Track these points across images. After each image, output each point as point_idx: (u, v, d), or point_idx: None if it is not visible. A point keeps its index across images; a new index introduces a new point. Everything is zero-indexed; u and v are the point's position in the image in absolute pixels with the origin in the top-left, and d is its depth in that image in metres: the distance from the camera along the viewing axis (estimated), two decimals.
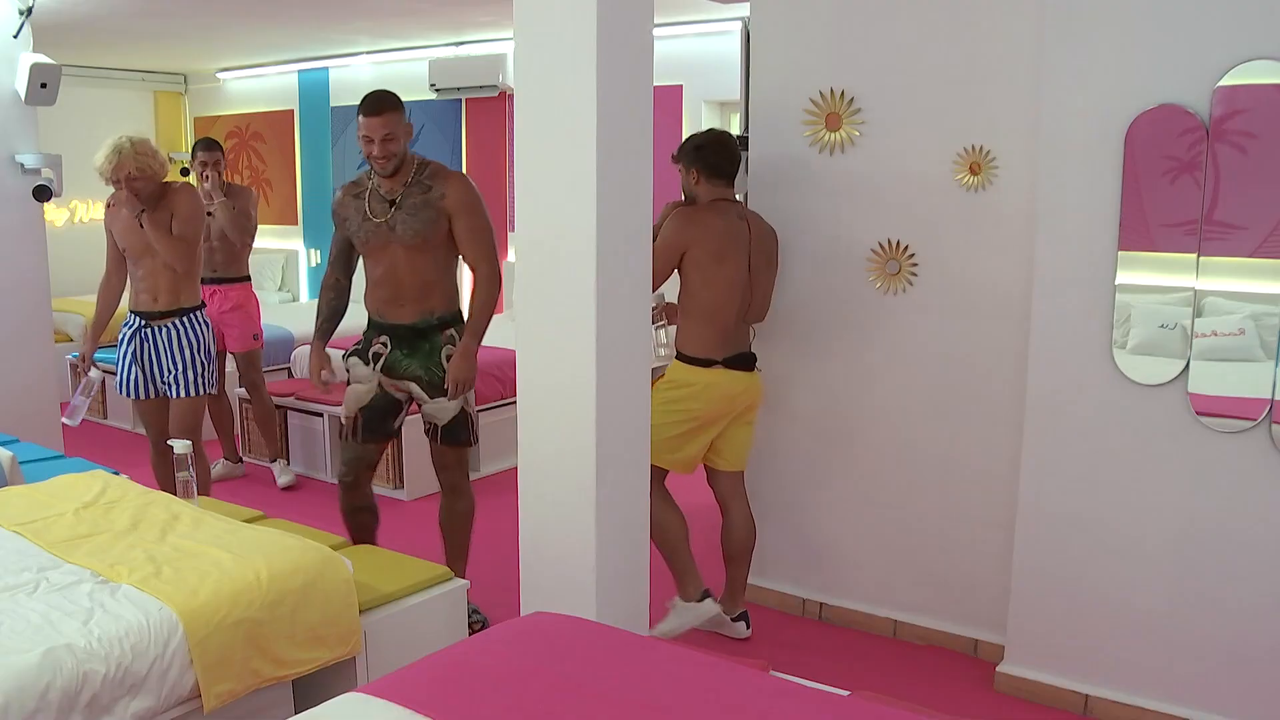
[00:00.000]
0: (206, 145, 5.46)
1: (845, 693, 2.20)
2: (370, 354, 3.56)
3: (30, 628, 2.27)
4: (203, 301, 4.42)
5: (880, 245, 3.56)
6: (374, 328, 3.58)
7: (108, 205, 4.40)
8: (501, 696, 2.05)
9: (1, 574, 2.55)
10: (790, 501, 3.86)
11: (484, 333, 3.47)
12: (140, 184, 4.11)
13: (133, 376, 4.30)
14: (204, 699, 2.38)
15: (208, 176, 5.31)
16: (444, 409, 3.52)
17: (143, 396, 4.33)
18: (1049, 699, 3.21)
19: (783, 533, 3.90)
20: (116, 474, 3.69)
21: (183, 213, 4.23)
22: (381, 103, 3.40)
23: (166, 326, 4.26)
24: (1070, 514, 3.14)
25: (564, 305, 2.76)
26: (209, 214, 5.14)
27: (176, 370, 4.26)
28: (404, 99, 3.54)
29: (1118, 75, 2.93)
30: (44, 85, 5.12)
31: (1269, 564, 2.86)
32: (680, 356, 3.52)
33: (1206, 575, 2.95)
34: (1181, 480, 2.96)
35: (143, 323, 4.27)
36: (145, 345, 4.26)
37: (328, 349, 3.75)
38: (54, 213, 8.46)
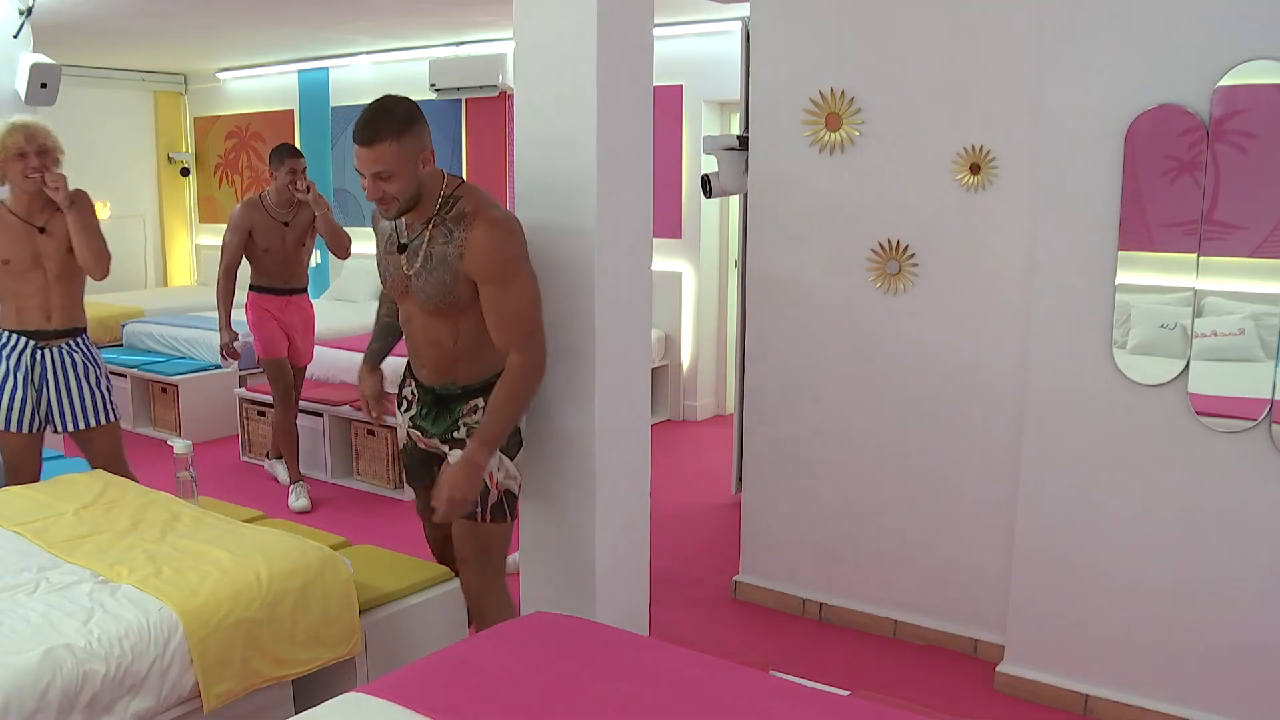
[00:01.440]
0: (294, 152, 5.01)
1: (845, 693, 2.20)
2: (400, 396, 2.89)
3: (30, 628, 2.27)
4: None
5: (880, 245, 3.56)
6: (408, 368, 2.87)
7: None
8: (501, 696, 2.05)
9: (1, 574, 2.55)
10: (790, 501, 3.86)
11: (500, 441, 2.59)
12: (50, 162, 3.50)
13: (21, 405, 3.61)
14: (204, 699, 2.38)
15: (304, 186, 4.85)
16: None
17: (23, 430, 3.63)
18: (1049, 699, 3.21)
19: (783, 533, 3.90)
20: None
21: (93, 220, 3.61)
22: (374, 128, 2.45)
23: (55, 348, 3.65)
24: (1070, 514, 3.14)
25: (564, 305, 2.76)
26: (285, 224, 4.97)
27: (73, 398, 3.67)
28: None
29: (1118, 75, 2.93)
30: (44, 85, 5.12)
31: (1269, 564, 2.86)
32: None
33: (1207, 575, 2.95)
34: (1181, 480, 2.96)
35: (34, 344, 3.62)
36: (35, 370, 3.63)
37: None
38: None
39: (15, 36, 5.15)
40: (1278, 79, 2.71)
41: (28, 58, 5.12)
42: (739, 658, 2.39)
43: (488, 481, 2.62)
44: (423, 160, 2.50)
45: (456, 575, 2.97)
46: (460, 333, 2.62)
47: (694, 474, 5.71)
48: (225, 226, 5.01)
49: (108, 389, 3.76)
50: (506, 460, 2.68)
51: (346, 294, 8.05)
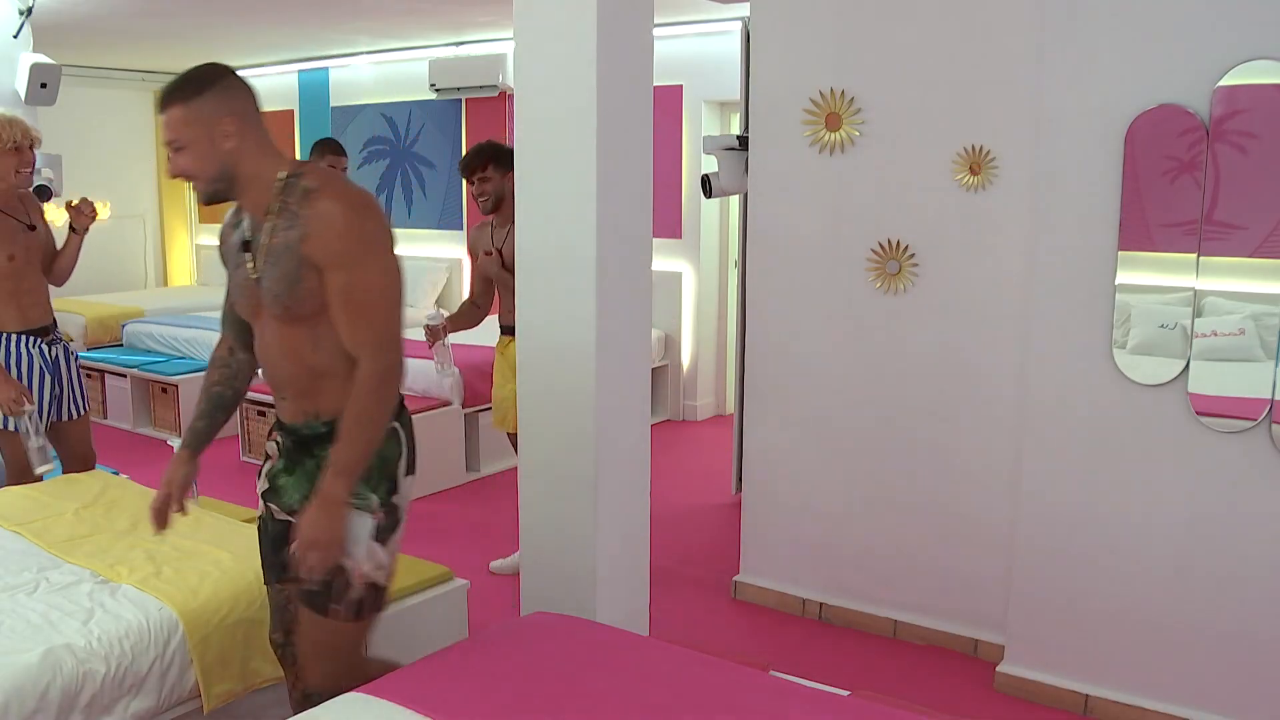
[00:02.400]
0: (337, 148, 4.66)
1: (845, 693, 2.20)
2: (265, 451, 2.33)
3: (30, 628, 2.27)
4: None
5: (880, 245, 3.56)
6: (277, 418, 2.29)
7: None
8: (501, 696, 2.05)
9: (2, 574, 2.55)
10: (790, 501, 3.86)
11: (359, 468, 2.08)
12: (31, 156, 3.52)
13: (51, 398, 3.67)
14: (204, 699, 2.38)
15: None
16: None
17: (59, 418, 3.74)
18: (1049, 699, 3.21)
19: (783, 533, 3.90)
20: (116, 474, 3.69)
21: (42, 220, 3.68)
22: (167, 92, 2.11)
23: (58, 342, 3.75)
24: (1070, 514, 3.13)
25: (564, 305, 2.76)
26: None
27: (79, 387, 3.79)
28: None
29: (1118, 75, 2.93)
30: (44, 85, 5.13)
31: (1269, 564, 2.86)
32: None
33: (1207, 575, 2.95)
34: (1181, 480, 2.96)
35: (43, 341, 3.66)
36: (48, 364, 3.67)
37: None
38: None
39: (15, 36, 5.16)
40: (1278, 79, 2.71)
41: (28, 58, 5.13)
42: (739, 658, 2.39)
43: (350, 572, 2.10)
44: (223, 133, 2.05)
45: (294, 679, 2.33)
46: (320, 340, 2.10)
47: (694, 474, 5.71)
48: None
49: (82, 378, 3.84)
50: (376, 547, 2.11)
51: None
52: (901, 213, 3.51)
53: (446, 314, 4.32)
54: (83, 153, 7.51)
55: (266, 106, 2.25)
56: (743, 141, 4.28)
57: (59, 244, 3.82)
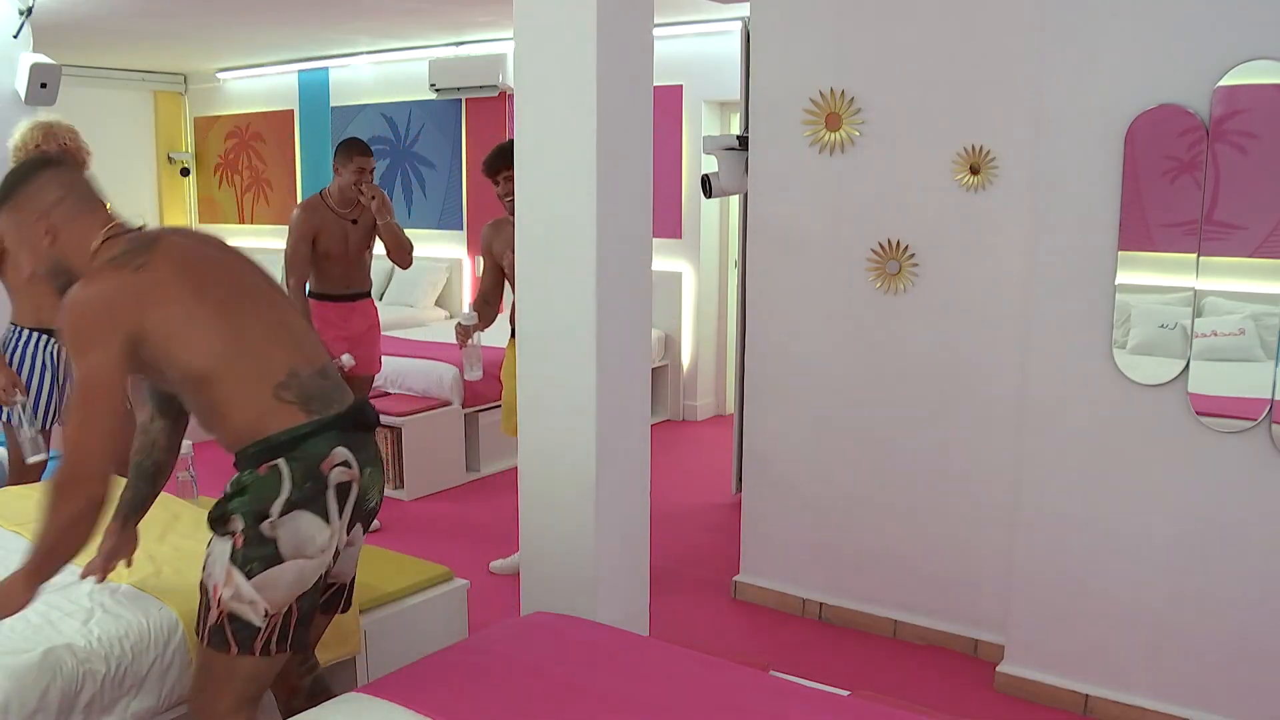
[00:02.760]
0: (364, 149, 4.58)
1: (845, 693, 2.21)
2: None
3: (30, 628, 2.27)
4: None
5: (880, 245, 3.56)
6: None
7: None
8: (501, 696, 2.05)
9: (2, 574, 2.54)
10: (790, 501, 3.86)
11: (43, 573, 1.99)
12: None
13: (47, 403, 3.66)
14: None
15: (370, 191, 4.51)
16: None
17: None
18: (1049, 699, 3.21)
19: (783, 532, 3.90)
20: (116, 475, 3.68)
21: None
22: None
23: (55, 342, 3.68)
24: (1070, 514, 3.14)
25: (564, 305, 2.76)
26: (353, 221, 4.58)
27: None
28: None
29: (1118, 75, 2.93)
30: (44, 85, 5.13)
31: (1269, 564, 2.86)
32: None
33: (1207, 575, 2.95)
34: (1181, 480, 2.96)
35: (54, 342, 3.64)
36: (53, 365, 3.67)
37: None
38: None
39: (15, 36, 5.15)
40: (1278, 79, 2.71)
41: (28, 58, 5.13)
42: (739, 658, 2.39)
43: (210, 595, 2.01)
44: (38, 235, 2.03)
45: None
46: (190, 400, 2.10)
47: (694, 474, 5.71)
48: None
49: None
50: (238, 576, 1.96)
51: None
52: (901, 213, 3.51)
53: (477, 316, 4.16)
54: None
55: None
56: (743, 141, 4.28)
57: None
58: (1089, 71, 2.97)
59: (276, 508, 1.97)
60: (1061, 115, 3.03)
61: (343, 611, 2.31)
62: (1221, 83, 2.77)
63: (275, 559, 1.97)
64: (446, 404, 5.47)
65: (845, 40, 3.57)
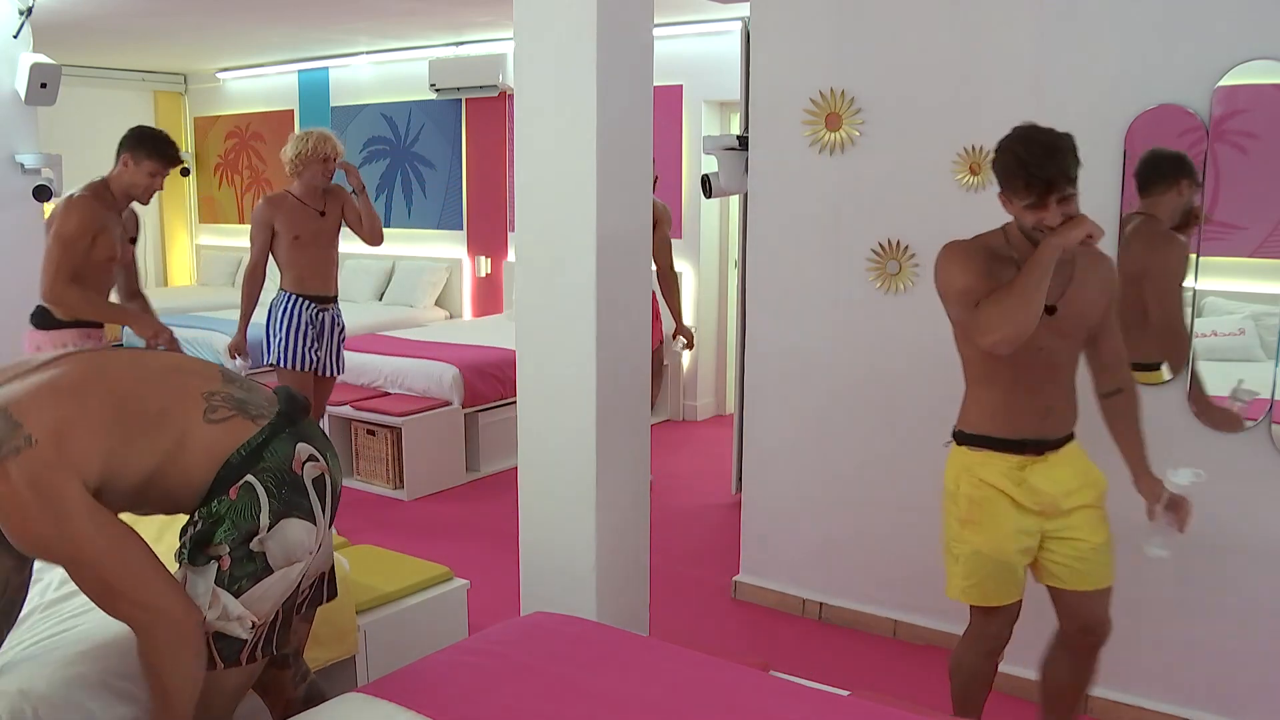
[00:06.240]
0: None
1: (845, 693, 2.21)
2: None
3: (29, 628, 2.27)
4: None
5: (880, 245, 3.56)
6: None
7: (267, 199, 4.54)
8: (501, 696, 2.05)
9: None
10: (790, 501, 3.86)
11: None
12: (332, 167, 4.46)
13: (311, 350, 4.50)
14: None
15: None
16: None
17: (304, 369, 4.51)
18: None
19: (783, 533, 3.90)
20: None
21: (368, 203, 4.62)
22: None
23: (331, 311, 4.56)
24: None
25: (564, 305, 2.76)
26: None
27: (335, 352, 4.61)
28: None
29: (1118, 75, 2.93)
30: (44, 85, 5.13)
31: (1269, 564, 2.86)
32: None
33: (1206, 575, 2.95)
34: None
35: (315, 305, 4.48)
36: (313, 326, 4.50)
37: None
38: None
39: (15, 36, 5.15)
40: (1278, 79, 2.71)
41: (28, 58, 5.13)
42: (739, 658, 2.39)
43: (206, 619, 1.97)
44: None
45: None
46: (154, 498, 1.98)
47: (694, 474, 5.71)
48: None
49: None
50: (225, 596, 1.93)
51: (348, 294, 8.05)
52: (901, 213, 3.51)
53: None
54: (83, 153, 7.49)
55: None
56: (743, 141, 4.28)
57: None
58: (1089, 71, 2.97)
59: (264, 522, 1.92)
60: (1061, 115, 3.02)
61: (328, 600, 2.22)
62: (1221, 83, 2.77)
63: (264, 572, 1.94)
64: (446, 404, 5.47)
65: (845, 40, 3.57)
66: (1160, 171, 2.88)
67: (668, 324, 5.49)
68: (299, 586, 2.03)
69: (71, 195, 3.77)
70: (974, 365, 2.56)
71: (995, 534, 2.53)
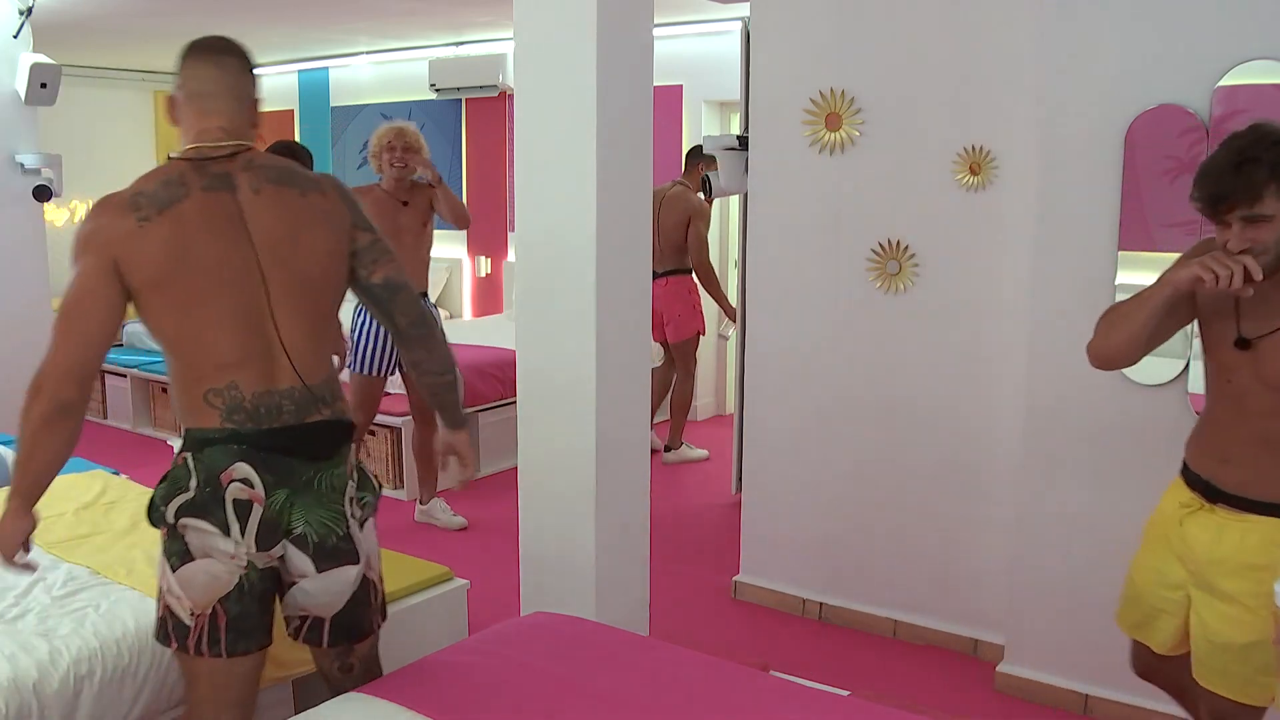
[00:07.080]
0: (710, 160, 4.81)
1: (845, 693, 2.21)
2: None
3: (29, 628, 2.27)
4: None
5: (880, 245, 3.56)
6: None
7: (357, 187, 4.37)
8: (501, 696, 2.05)
9: (1, 574, 2.55)
10: (790, 501, 3.86)
11: (21, 488, 1.94)
12: (413, 156, 4.42)
13: (383, 354, 4.48)
14: None
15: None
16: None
17: (374, 374, 4.54)
18: (1049, 699, 3.20)
19: (782, 532, 3.90)
20: (116, 474, 3.69)
21: (450, 192, 4.59)
22: None
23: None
24: (1070, 514, 3.13)
25: (564, 305, 2.76)
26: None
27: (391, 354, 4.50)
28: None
29: (1118, 75, 2.93)
30: (44, 85, 5.13)
31: None
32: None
33: None
34: None
35: None
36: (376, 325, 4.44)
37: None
38: (54, 213, 8.45)
39: (15, 36, 5.15)
40: (1278, 79, 2.71)
41: (28, 58, 5.13)
42: (739, 658, 2.39)
43: (161, 587, 2.02)
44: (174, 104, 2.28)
45: None
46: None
47: (694, 474, 5.71)
48: None
49: None
50: (165, 568, 1.99)
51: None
52: (901, 213, 3.51)
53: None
54: (83, 153, 7.50)
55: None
56: (743, 141, 4.28)
57: None
58: (1089, 71, 2.97)
59: (172, 509, 1.95)
60: (1061, 115, 3.03)
61: (356, 642, 2.15)
62: (1221, 83, 2.77)
63: (188, 555, 1.95)
64: None
65: (845, 40, 3.57)
66: None
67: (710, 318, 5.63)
68: (245, 595, 1.97)
69: None
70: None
71: (1142, 561, 2.38)
